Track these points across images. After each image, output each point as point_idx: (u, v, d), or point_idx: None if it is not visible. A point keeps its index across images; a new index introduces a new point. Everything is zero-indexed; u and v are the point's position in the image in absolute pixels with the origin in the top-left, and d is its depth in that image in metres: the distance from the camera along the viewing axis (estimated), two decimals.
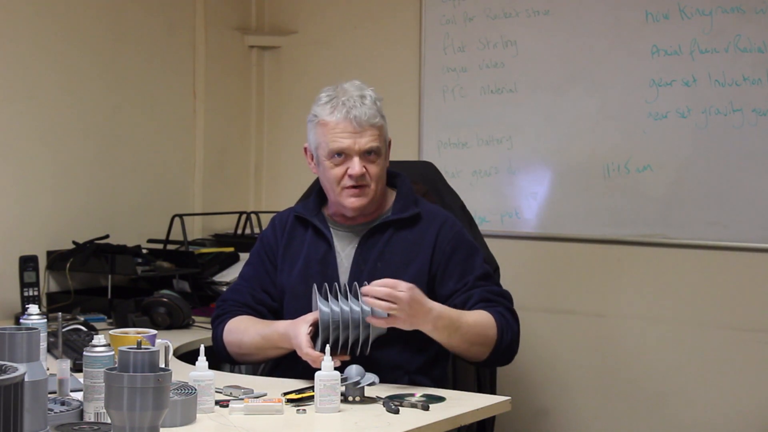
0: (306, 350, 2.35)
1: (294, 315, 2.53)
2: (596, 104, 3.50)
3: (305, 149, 2.62)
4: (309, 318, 2.40)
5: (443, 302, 2.51)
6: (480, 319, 2.46)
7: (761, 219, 3.25)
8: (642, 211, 3.44)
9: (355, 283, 2.39)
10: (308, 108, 4.22)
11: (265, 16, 4.23)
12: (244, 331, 2.57)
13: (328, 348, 2.19)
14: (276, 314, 2.64)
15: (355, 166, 2.49)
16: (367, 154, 2.50)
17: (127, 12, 3.74)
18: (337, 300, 2.36)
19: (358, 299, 2.35)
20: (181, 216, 3.74)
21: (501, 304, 2.53)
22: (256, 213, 3.99)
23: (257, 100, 4.22)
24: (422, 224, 2.60)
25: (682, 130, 3.37)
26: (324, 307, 2.34)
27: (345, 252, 2.60)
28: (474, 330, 2.44)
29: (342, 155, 2.50)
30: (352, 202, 2.52)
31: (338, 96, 2.51)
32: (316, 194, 2.68)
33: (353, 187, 2.51)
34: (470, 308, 2.49)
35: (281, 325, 2.49)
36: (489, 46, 3.69)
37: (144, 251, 3.58)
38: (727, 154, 3.30)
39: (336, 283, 2.43)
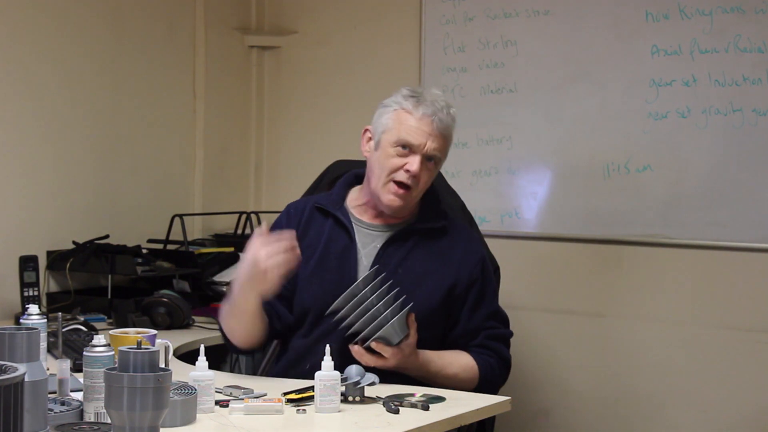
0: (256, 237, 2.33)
1: (303, 306, 2.53)
2: (596, 104, 3.50)
3: (365, 130, 2.60)
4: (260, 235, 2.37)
5: (453, 322, 2.58)
6: (461, 371, 2.53)
7: (761, 219, 3.25)
8: (642, 211, 3.44)
9: (403, 296, 2.39)
10: (309, 108, 4.24)
11: (265, 16, 4.23)
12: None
13: (328, 348, 2.19)
14: (281, 301, 2.58)
15: (415, 163, 2.49)
16: (428, 159, 2.52)
17: (127, 12, 3.74)
18: (376, 291, 2.36)
19: (392, 303, 2.36)
20: (181, 216, 3.74)
21: (496, 352, 2.59)
22: (256, 213, 3.99)
23: (257, 100, 4.22)
24: (447, 239, 2.61)
25: (682, 130, 3.37)
26: (362, 284, 2.35)
27: (366, 250, 2.58)
28: (451, 381, 2.50)
29: (408, 149, 2.50)
30: (392, 199, 2.52)
31: (425, 96, 2.53)
32: (341, 187, 2.66)
33: (401, 184, 2.50)
34: (470, 349, 2.57)
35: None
36: (489, 46, 3.69)
37: (144, 251, 3.58)
38: (727, 154, 3.30)
39: (390, 284, 2.41)
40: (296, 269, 2.50)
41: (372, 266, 2.54)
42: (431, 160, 2.52)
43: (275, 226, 2.67)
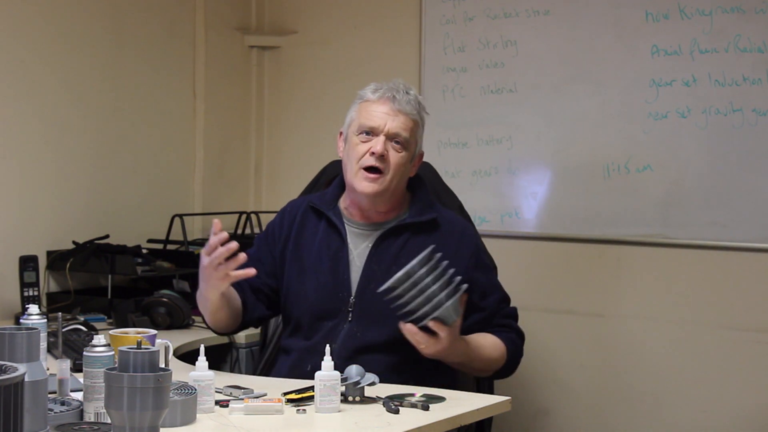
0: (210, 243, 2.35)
1: (300, 309, 2.54)
2: (596, 104, 3.50)
3: (340, 134, 2.64)
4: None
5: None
6: (493, 350, 2.58)
7: (761, 219, 3.25)
8: (642, 211, 3.44)
9: (458, 278, 2.38)
10: (308, 108, 4.24)
11: (265, 16, 4.23)
12: None
13: (328, 348, 2.19)
14: (258, 294, 2.63)
15: (378, 144, 2.51)
16: (393, 141, 2.53)
17: (127, 12, 3.74)
18: (432, 273, 2.35)
19: (447, 286, 2.35)
20: (181, 216, 3.74)
21: (513, 329, 2.65)
22: (256, 213, 3.99)
23: (257, 100, 4.22)
24: (440, 231, 2.61)
25: (682, 130, 3.37)
26: (418, 266, 2.33)
27: (358, 250, 2.59)
28: (486, 362, 2.57)
29: (370, 134, 2.53)
30: (364, 186, 2.52)
31: (386, 83, 2.59)
32: (335, 188, 2.68)
33: (370, 169, 2.51)
34: (489, 330, 2.61)
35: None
36: (489, 46, 3.69)
37: (144, 251, 3.58)
38: (727, 154, 3.30)
39: (446, 264, 2.38)
40: (284, 270, 2.62)
41: (365, 265, 2.55)
42: (398, 142, 2.53)
43: (268, 227, 2.72)
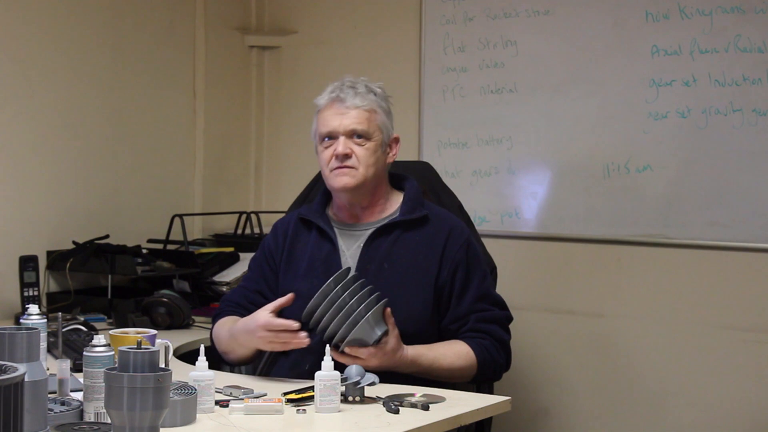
0: (270, 320, 2.38)
1: (293, 313, 2.54)
2: (596, 104, 3.50)
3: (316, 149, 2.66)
4: (269, 306, 2.42)
5: (444, 311, 2.56)
6: (457, 359, 2.51)
7: (761, 219, 3.25)
8: (642, 211, 3.44)
9: (377, 293, 2.37)
10: (308, 108, 4.22)
11: (265, 16, 4.23)
12: (223, 327, 2.59)
13: (328, 348, 2.19)
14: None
15: (339, 145, 2.53)
16: (354, 136, 2.54)
17: (127, 12, 3.74)
18: (348, 289, 2.35)
19: (366, 299, 2.34)
20: (181, 216, 3.74)
21: (489, 333, 2.56)
22: (256, 213, 4.00)
23: (257, 100, 4.22)
24: (430, 227, 2.60)
25: (682, 130, 3.37)
26: (333, 283, 2.35)
27: (350, 251, 2.59)
28: (448, 371, 2.50)
29: (331, 138, 2.55)
30: (338, 180, 2.55)
31: (336, 83, 2.60)
32: (321, 195, 2.69)
33: (339, 167, 2.53)
34: (462, 335, 2.55)
35: (243, 319, 2.51)
36: (489, 46, 3.69)
37: (144, 251, 3.58)
38: (727, 154, 3.30)
39: (362, 282, 2.39)
40: (281, 281, 2.61)
41: (358, 265, 2.55)
42: (360, 136, 2.54)
43: (263, 245, 2.72)
